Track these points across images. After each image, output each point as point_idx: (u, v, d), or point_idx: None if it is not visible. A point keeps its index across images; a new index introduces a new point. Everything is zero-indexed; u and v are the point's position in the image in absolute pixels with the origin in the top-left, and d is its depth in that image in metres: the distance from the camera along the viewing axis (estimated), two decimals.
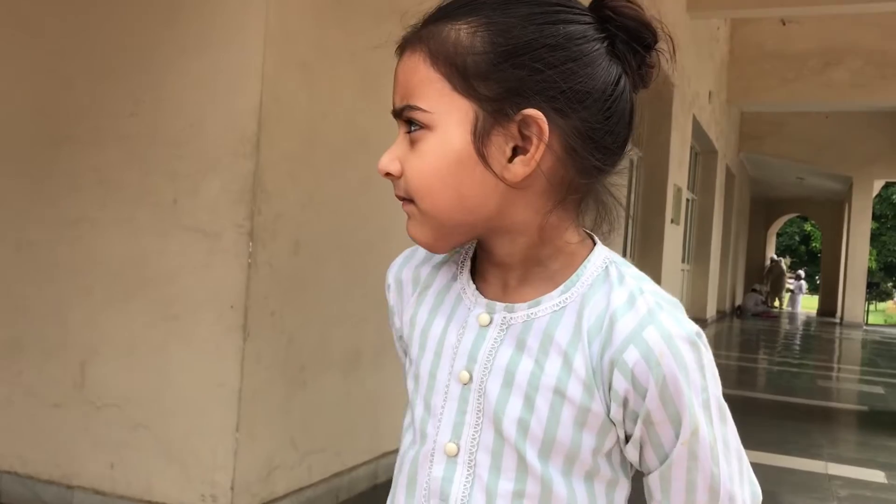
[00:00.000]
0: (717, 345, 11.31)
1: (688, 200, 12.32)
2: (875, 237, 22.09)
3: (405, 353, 0.93)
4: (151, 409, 2.89)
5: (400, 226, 3.40)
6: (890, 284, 31.67)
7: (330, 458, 3.31)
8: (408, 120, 0.79)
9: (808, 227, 31.21)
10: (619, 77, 0.77)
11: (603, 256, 0.82)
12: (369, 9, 3.35)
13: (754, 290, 20.29)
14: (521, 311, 0.81)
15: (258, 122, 2.76)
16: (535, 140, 0.75)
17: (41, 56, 3.14)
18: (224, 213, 2.80)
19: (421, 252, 0.93)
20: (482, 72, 0.75)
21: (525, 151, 0.76)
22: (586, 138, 0.76)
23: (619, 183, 0.83)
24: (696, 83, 10.92)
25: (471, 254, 0.88)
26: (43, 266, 3.10)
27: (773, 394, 7.57)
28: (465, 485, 0.81)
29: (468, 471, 0.81)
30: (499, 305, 0.82)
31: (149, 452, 2.88)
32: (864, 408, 7.24)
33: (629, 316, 0.76)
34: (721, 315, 16.43)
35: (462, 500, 0.81)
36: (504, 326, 0.81)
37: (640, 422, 0.77)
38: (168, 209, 2.87)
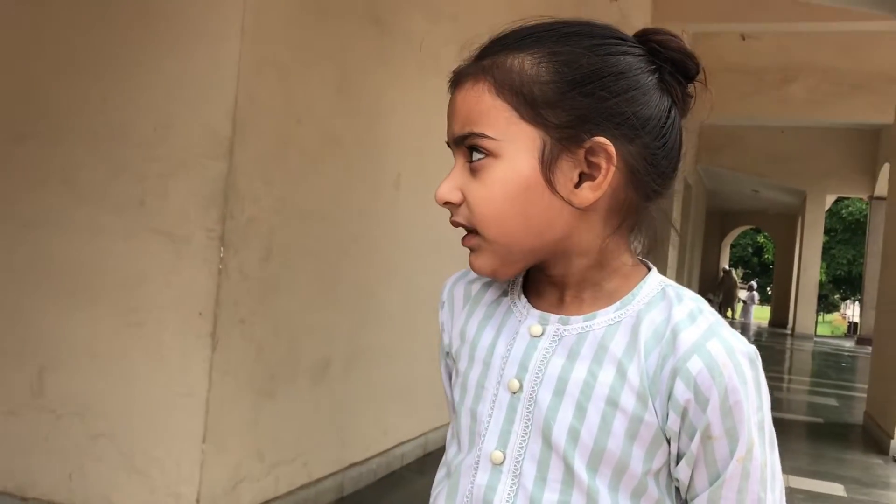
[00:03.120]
0: None
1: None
2: (825, 250, 22.54)
3: (450, 370, 0.96)
4: (114, 418, 2.78)
5: (372, 232, 3.34)
6: (838, 297, 32.38)
7: (297, 469, 3.23)
8: (470, 147, 0.80)
9: (760, 238, 31.78)
10: (671, 106, 0.81)
11: (659, 279, 0.85)
12: (346, 11, 3.29)
13: (708, 300, 20.53)
14: (576, 323, 0.82)
15: (232, 123, 2.68)
16: (603, 165, 0.78)
17: (2, 50, 3.01)
18: (194, 216, 2.71)
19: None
20: (550, 100, 0.77)
21: (592, 177, 0.78)
22: (647, 163, 0.80)
23: (667, 207, 0.87)
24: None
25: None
26: (1, 268, 2.97)
27: None
28: (508, 494, 0.81)
29: (513, 480, 0.81)
30: (553, 317, 0.84)
31: (110, 463, 2.78)
32: (819, 419, 7.36)
33: (692, 329, 0.78)
34: None
35: None
36: (557, 337, 0.83)
37: (697, 435, 0.76)
38: (135, 211, 2.77)
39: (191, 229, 2.71)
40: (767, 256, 31.34)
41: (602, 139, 0.77)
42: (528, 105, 0.77)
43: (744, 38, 12.92)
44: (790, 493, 4.47)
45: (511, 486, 0.81)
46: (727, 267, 25.96)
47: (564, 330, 0.82)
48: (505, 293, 0.89)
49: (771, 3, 8.95)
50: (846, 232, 26.39)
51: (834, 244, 26.40)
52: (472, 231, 0.81)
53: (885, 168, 12.34)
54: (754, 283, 26.00)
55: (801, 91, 13.21)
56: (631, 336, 0.80)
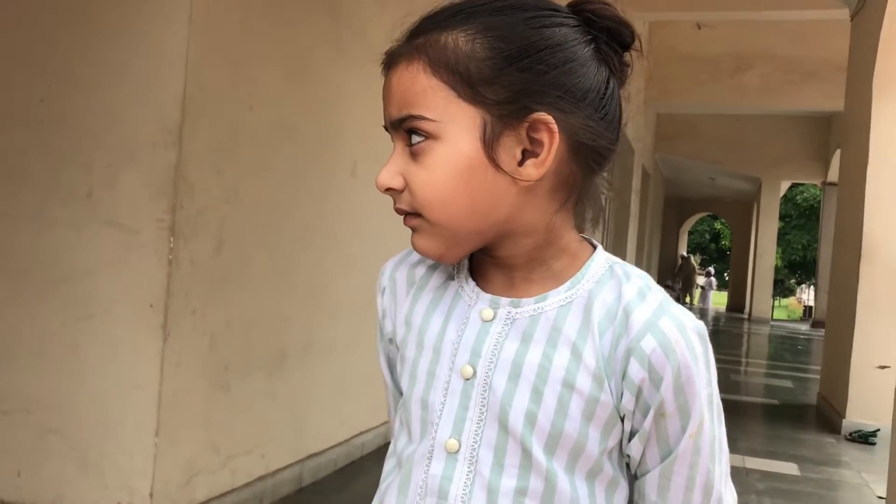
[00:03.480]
0: None
1: (606, 199, 12.54)
2: (780, 236, 22.93)
3: (391, 358, 0.94)
4: (64, 413, 2.73)
5: (328, 222, 3.31)
6: (793, 281, 32.99)
7: (254, 461, 3.20)
8: (409, 130, 0.77)
9: (717, 225, 32.23)
10: (609, 76, 0.80)
11: (605, 257, 0.84)
12: None
13: (667, 287, 20.83)
14: (528, 305, 0.81)
15: (181, 111, 2.64)
16: (546, 141, 0.76)
17: None
18: (143, 206, 2.66)
19: (415, 253, 0.89)
20: (487, 77, 0.75)
21: (535, 154, 0.77)
22: (589, 136, 0.78)
23: (604, 183, 0.86)
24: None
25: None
26: None
27: None
28: (465, 482, 0.80)
29: (469, 468, 0.80)
30: (503, 300, 0.82)
31: (60, 459, 2.73)
32: (775, 401, 7.49)
33: (643, 308, 0.78)
34: None
35: (462, 497, 0.79)
36: (509, 321, 0.81)
37: (651, 413, 0.77)
38: (82, 202, 2.72)
39: (140, 220, 2.67)
40: (724, 242, 31.81)
41: (543, 114, 0.75)
42: (465, 83, 0.75)
43: (699, 28, 13.06)
44: (746, 473, 4.55)
45: (467, 475, 0.79)
46: (685, 253, 26.32)
47: (516, 313, 0.81)
48: (451, 277, 0.87)
49: None
50: (801, 217, 26.89)
51: (789, 230, 26.89)
52: (412, 214, 0.79)
53: (837, 154, 12.58)
54: (712, 269, 26.40)
55: (755, 79, 13.40)
56: (584, 316, 0.79)
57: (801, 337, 16.02)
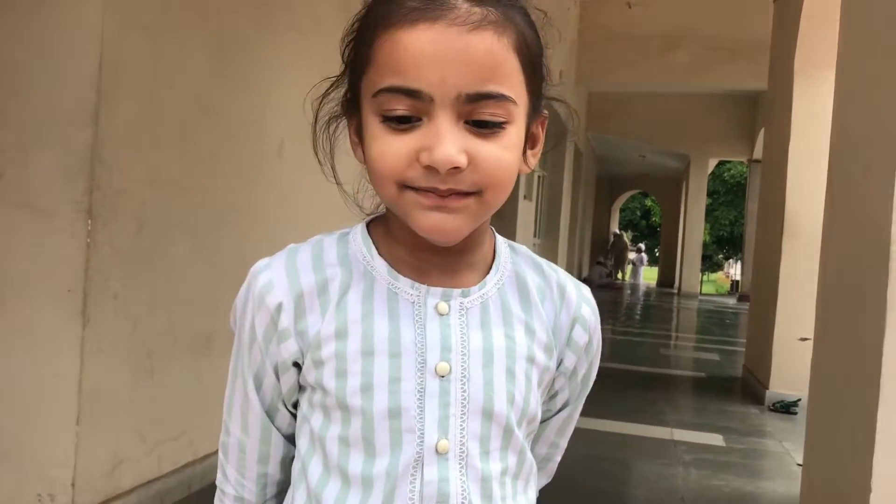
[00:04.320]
0: None
1: (539, 177, 12.62)
2: (709, 212, 23.47)
3: (288, 385, 0.83)
4: None
5: (255, 202, 3.22)
6: (721, 256, 33.86)
7: (181, 447, 3.14)
8: (486, 108, 0.73)
9: (648, 202, 32.83)
10: None
11: (500, 236, 0.88)
12: None
13: (599, 263, 21.15)
14: (475, 293, 0.82)
15: (97, 89, 2.54)
16: (540, 135, 0.83)
17: None
18: (58, 188, 2.56)
19: (302, 258, 0.83)
20: (538, 68, 0.78)
21: (532, 145, 0.82)
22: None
23: None
24: (548, 62, 11.16)
25: (373, 250, 0.83)
26: None
27: (620, 363, 7.88)
28: (461, 479, 0.79)
29: (461, 464, 0.79)
30: (454, 292, 0.81)
31: None
32: (702, 374, 7.69)
33: (569, 282, 0.89)
34: None
35: (462, 495, 0.78)
36: (463, 312, 0.81)
37: (584, 368, 0.90)
38: None
39: (55, 202, 2.57)
40: (655, 219, 32.43)
41: (545, 112, 0.82)
42: (531, 70, 0.76)
43: (630, 7, 13.21)
44: (674, 445, 4.66)
45: (461, 471, 0.79)
46: (617, 230, 26.75)
47: (467, 302, 0.81)
48: (365, 275, 0.81)
49: None
50: (728, 194, 27.55)
51: (717, 206, 27.52)
52: (463, 193, 0.73)
53: (763, 132, 12.90)
54: (642, 246, 26.93)
55: (685, 58, 13.63)
56: (520, 295, 0.85)
57: (729, 311, 16.47)
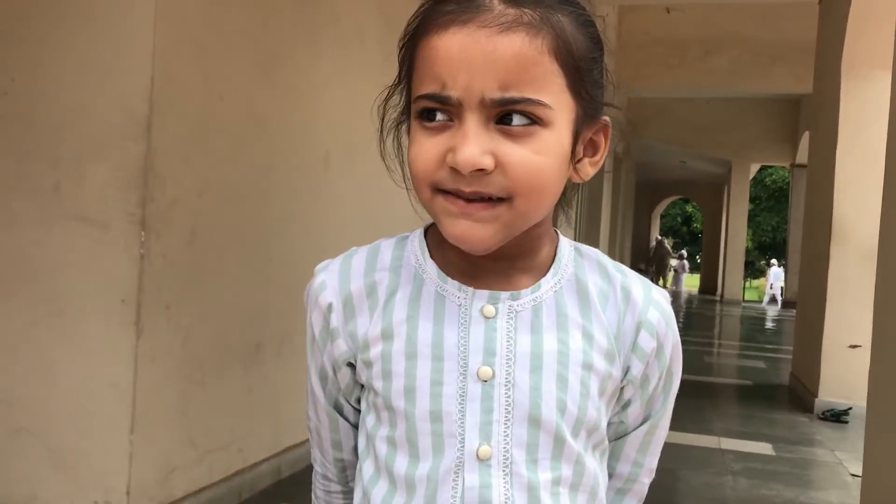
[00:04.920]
0: None
1: (578, 184, 12.57)
2: (751, 218, 23.18)
3: (340, 385, 0.86)
4: (36, 412, 2.68)
5: (302, 212, 3.24)
6: (764, 262, 33.37)
7: (231, 455, 3.17)
8: (513, 111, 0.70)
9: (689, 208, 32.48)
10: None
11: (566, 240, 0.85)
12: None
13: (640, 270, 20.96)
14: (526, 297, 0.79)
15: (149, 103, 2.59)
16: (602, 143, 0.79)
17: None
18: (113, 200, 2.61)
19: (357, 261, 0.84)
20: (588, 70, 0.74)
21: (592, 153, 0.79)
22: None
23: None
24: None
25: (426, 252, 0.82)
26: None
27: None
28: (504, 487, 0.77)
29: (504, 471, 0.77)
30: (503, 295, 0.79)
31: (33, 458, 2.68)
32: (748, 382, 7.57)
33: (635, 284, 0.83)
34: None
35: (506, 503, 0.76)
36: (511, 315, 0.79)
37: (654, 378, 0.83)
38: (50, 197, 2.66)
39: (110, 214, 2.62)
40: (696, 225, 32.08)
41: (606, 118, 0.78)
42: (576, 73, 0.72)
43: (668, 12, 13.10)
44: (722, 454, 4.60)
45: (504, 479, 0.76)
46: (659, 237, 26.50)
47: (517, 305, 0.78)
48: (415, 277, 0.81)
49: None
50: (770, 199, 27.16)
51: (759, 212, 27.16)
52: (492, 199, 0.72)
53: (806, 136, 12.70)
54: (684, 252, 26.63)
55: (725, 62, 13.48)
56: (580, 298, 0.81)
57: (773, 318, 16.20)
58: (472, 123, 0.70)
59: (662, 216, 30.63)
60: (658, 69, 13.90)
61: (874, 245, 3.17)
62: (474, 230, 0.72)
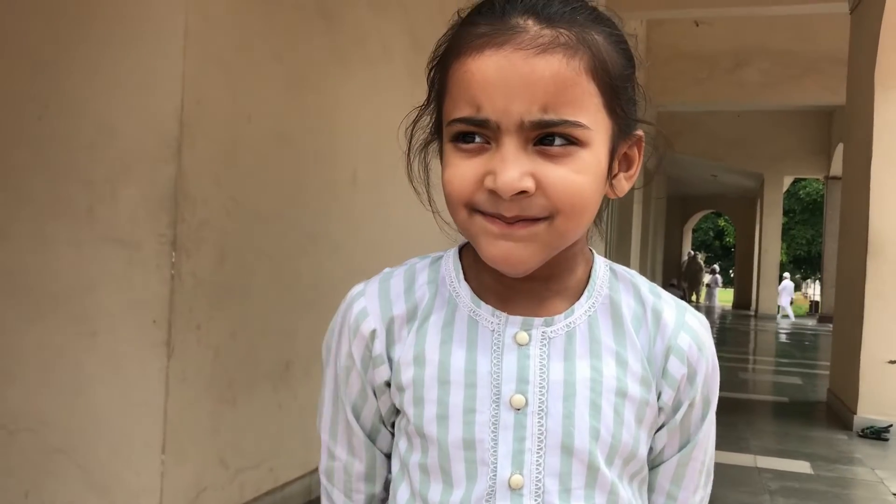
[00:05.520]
0: None
1: (608, 199, 12.51)
2: (784, 231, 22.90)
3: (373, 410, 0.85)
4: (69, 432, 2.70)
5: (330, 230, 3.25)
6: (799, 276, 32.90)
7: (262, 474, 3.17)
8: (552, 133, 0.70)
9: (721, 222, 32.16)
10: None
11: (602, 260, 0.84)
12: (293, 6, 3.23)
13: (672, 286, 20.76)
14: (560, 322, 0.78)
15: (179, 124, 2.61)
16: (636, 158, 0.79)
17: None
18: (144, 221, 2.64)
19: (395, 284, 0.83)
20: (623, 88, 0.73)
21: (627, 168, 0.78)
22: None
23: None
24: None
25: (460, 275, 0.82)
26: None
27: None
28: None
29: (536, 500, 0.76)
30: (536, 321, 0.78)
31: (67, 478, 2.70)
32: (784, 398, 7.44)
33: (668, 307, 0.81)
34: None
35: None
36: (545, 342, 0.78)
37: (685, 406, 0.80)
38: (83, 218, 2.69)
39: (141, 235, 2.64)
40: (728, 240, 31.73)
41: (640, 132, 0.77)
42: (612, 92, 0.72)
43: (697, 25, 13.04)
44: (759, 473, 4.51)
45: None
46: (692, 251, 26.25)
47: (550, 332, 0.77)
48: (448, 301, 0.81)
49: None
50: (804, 212, 26.80)
51: (793, 225, 26.80)
52: (533, 219, 0.71)
53: (840, 148, 12.54)
54: (716, 267, 26.34)
55: (755, 75, 13.38)
56: (613, 323, 0.79)
57: (808, 332, 15.96)
58: (511, 146, 0.69)
59: (694, 230, 30.36)
60: (687, 83, 13.83)
61: None
62: (515, 251, 0.71)
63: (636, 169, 0.79)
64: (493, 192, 0.70)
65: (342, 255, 3.69)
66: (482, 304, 0.79)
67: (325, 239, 3.57)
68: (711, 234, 33.60)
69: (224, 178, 2.86)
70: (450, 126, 0.72)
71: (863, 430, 5.63)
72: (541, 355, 0.77)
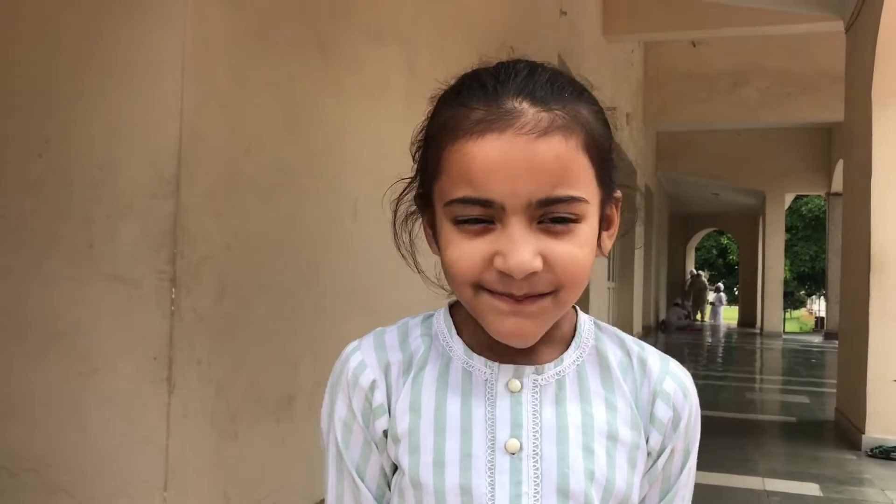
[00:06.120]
0: None
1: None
2: (788, 248, 22.85)
3: (378, 462, 0.84)
4: (71, 471, 2.69)
5: (331, 262, 3.24)
6: (803, 293, 32.81)
7: None
8: (559, 212, 0.74)
9: (724, 240, 32.14)
10: None
11: (585, 315, 0.87)
12: (290, 39, 3.25)
13: (677, 305, 20.71)
14: (550, 371, 0.81)
15: (178, 160, 2.62)
16: (616, 215, 0.82)
17: None
18: (144, 258, 2.64)
19: (389, 337, 0.86)
20: (609, 158, 0.78)
21: (607, 227, 0.82)
22: None
23: None
24: (613, 105, 11.15)
25: (453, 330, 0.84)
26: None
27: (704, 409, 7.61)
28: None
29: None
30: (527, 369, 0.81)
31: None
32: (792, 419, 7.39)
33: (652, 357, 0.85)
34: (647, 330, 16.71)
35: None
36: (536, 389, 0.80)
37: (667, 452, 0.82)
38: (83, 256, 2.70)
39: (141, 271, 2.64)
40: (732, 257, 31.70)
41: (619, 193, 0.81)
42: (602, 163, 0.76)
43: (694, 45, 13.13)
44: (767, 496, 4.47)
45: None
46: (695, 270, 26.21)
47: (541, 379, 0.80)
48: (442, 353, 0.83)
49: (719, 10, 9.10)
50: (807, 229, 26.79)
51: (796, 241, 26.79)
52: (540, 294, 0.74)
53: (840, 165, 12.55)
54: (721, 285, 26.28)
55: (753, 94, 13.44)
56: (601, 370, 0.82)
57: (815, 350, 15.88)
58: (518, 227, 0.72)
59: (697, 249, 30.34)
60: (686, 103, 13.90)
61: None
62: (525, 326, 0.75)
63: (616, 227, 0.83)
64: (501, 272, 0.72)
65: (342, 287, 3.69)
66: (475, 356, 0.82)
67: (327, 270, 3.57)
68: (715, 252, 33.58)
69: (223, 213, 2.87)
70: (449, 206, 0.74)
71: (871, 450, 5.59)
72: (533, 401, 0.79)
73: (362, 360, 0.84)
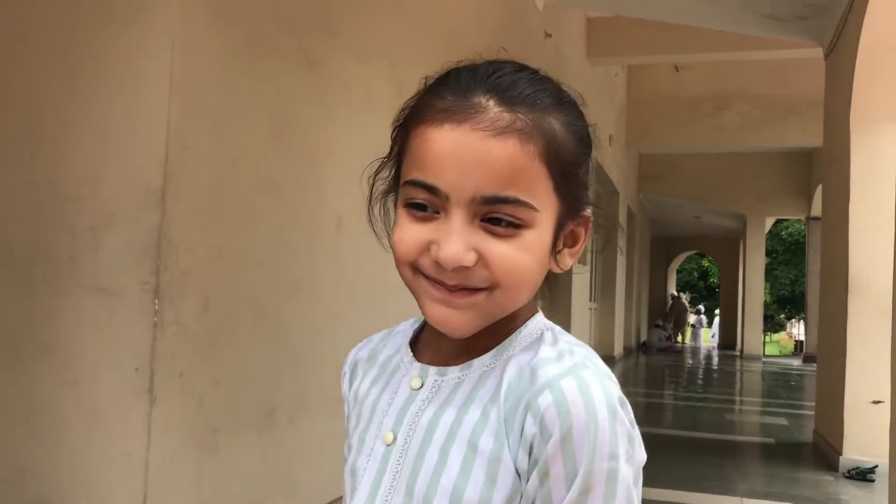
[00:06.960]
0: (625, 381, 11.48)
1: (593, 241, 12.58)
2: (768, 271, 23.03)
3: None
4: (51, 483, 2.67)
5: (315, 276, 3.25)
6: (783, 316, 33.03)
7: None
8: (502, 213, 0.74)
9: (705, 263, 32.34)
10: None
11: (542, 324, 0.84)
12: (278, 54, 3.27)
13: (658, 326, 20.80)
14: (453, 373, 0.82)
15: (163, 172, 2.63)
16: (582, 235, 0.82)
17: None
18: (127, 269, 2.64)
19: (377, 334, 0.94)
20: (573, 172, 0.77)
21: (571, 244, 0.82)
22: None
23: None
24: (597, 127, 11.24)
25: (417, 324, 0.90)
26: None
27: (683, 429, 7.69)
28: None
29: None
30: (431, 370, 0.83)
31: None
32: (770, 440, 7.44)
33: (552, 366, 0.75)
34: (628, 352, 16.76)
35: None
36: (434, 389, 0.82)
37: (536, 472, 0.72)
38: (66, 267, 2.69)
39: (124, 283, 2.64)
40: (713, 280, 31.88)
41: (588, 212, 0.81)
42: (562, 176, 0.76)
43: (677, 70, 13.28)
44: None
45: None
46: (675, 292, 26.35)
47: (442, 381, 0.82)
48: (392, 352, 0.91)
49: (702, 35, 9.22)
50: (787, 252, 27.01)
51: (776, 265, 26.99)
52: (474, 289, 0.75)
53: (820, 189, 12.71)
54: (701, 308, 26.42)
55: (735, 118, 13.59)
56: (498, 380, 0.79)
57: (794, 372, 15.98)
58: (458, 219, 0.73)
59: (678, 271, 30.50)
60: (668, 126, 14.02)
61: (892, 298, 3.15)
62: (454, 317, 0.76)
63: (581, 246, 0.82)
64: (437, 261, 0.74)
65: (326, 300, 3.69)
66: (409, 351, 0.87)
67: (311, 284, 3.57)
68: (696, 274, 33.77)
69: (208, 225, 2.87)
70: (404, 187, 0.77)
71: (848, 472, 5.63)
72: (424, 400, 0.82)
73: (348, 355, 0.96)
